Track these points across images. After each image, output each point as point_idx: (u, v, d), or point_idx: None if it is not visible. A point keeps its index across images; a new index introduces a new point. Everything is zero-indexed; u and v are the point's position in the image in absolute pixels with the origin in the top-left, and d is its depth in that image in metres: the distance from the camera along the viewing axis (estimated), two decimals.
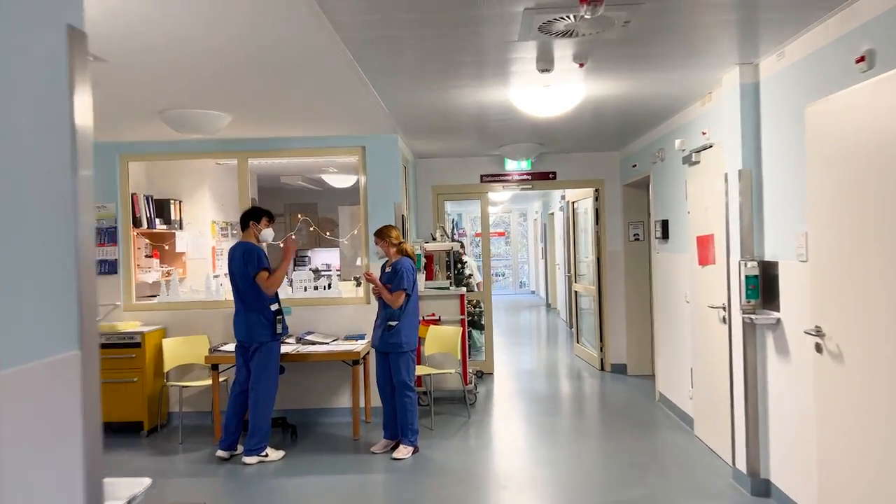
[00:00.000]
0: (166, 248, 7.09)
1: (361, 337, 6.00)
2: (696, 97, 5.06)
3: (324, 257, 11.25)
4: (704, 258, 4.95)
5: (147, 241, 6.98)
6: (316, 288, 6.29)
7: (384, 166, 6.18)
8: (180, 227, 7.33)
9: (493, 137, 6.74)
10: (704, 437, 5.15)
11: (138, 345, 5.78)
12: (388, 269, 5.16)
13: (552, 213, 14.88)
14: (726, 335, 4.52)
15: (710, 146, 4.83)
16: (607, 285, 7.97)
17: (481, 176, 7.99)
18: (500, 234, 19.57)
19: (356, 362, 5.52)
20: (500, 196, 13.65)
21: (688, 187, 5.33)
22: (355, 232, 6.58)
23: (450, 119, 5.73)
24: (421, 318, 6.50)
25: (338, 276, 10.72)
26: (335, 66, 3.93)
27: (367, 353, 5.90)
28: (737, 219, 4.20)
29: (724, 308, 4.56)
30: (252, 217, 5.21)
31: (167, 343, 5.94)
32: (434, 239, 7.60)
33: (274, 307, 5.06)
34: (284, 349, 5.42)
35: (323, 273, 11.39)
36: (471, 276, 8.46)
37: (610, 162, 7.91)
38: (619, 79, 4.45)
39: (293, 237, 5.50)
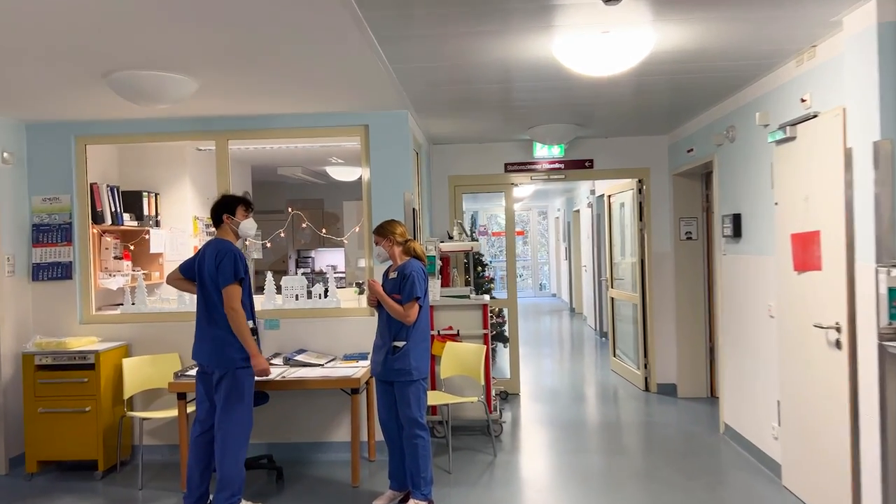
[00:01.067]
0: (131, 248, 6.03)
1: (364, 356, 4.93)
2: (790, 53, 3.93)
3: (328, 258, 10.20)
4: (803, 262, 3.82)
5: (115, 240, 5.95)
6: (310, 296, 5.21)
7: (391, 149, 5.10)
8: (156, 224, 6.29)
9: (520, 116, 5.64)
10: (800, 491, 4.02)
11: (91, 366, 4.73)
12: (392, 275, 4.10)
13: (577, 211, 13.74)
14: (842, 365, 3.39)
15: (814, 116, 3.70)
16: (653, 292, 6.84)
17: (506, 165, 6.89)
18: (520, 234, 18.44)
19: (356, 391, 4.44)
20: (521, 191, 12.58)
21: (775, 172, 4.20)
22: (356, 229, 5.47)
23: (471, 88, 4.64)
24: (435, 333, 5.42)
25: (339, 279, 9.66)
26: (329, 9, 2.86)
27: (371, 377, 4.82)
28: (870, 209, 3.07)
29: (837, 328, 3.43)
30: (224, 208, 4.14)
31: (129, 364, 4.89)
32: (451, 238, 6.51)
33: (248, 324, 3.99)
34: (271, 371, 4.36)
35: (324, 276, 10.40)
36: (493, 280, 7.35)
37: (656, 147, 6.78)
38: (698, 20, 3.34)
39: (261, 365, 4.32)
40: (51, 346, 4.75)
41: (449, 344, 5.24)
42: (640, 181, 6.92)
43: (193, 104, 4.75)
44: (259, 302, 5.13)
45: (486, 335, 5.51)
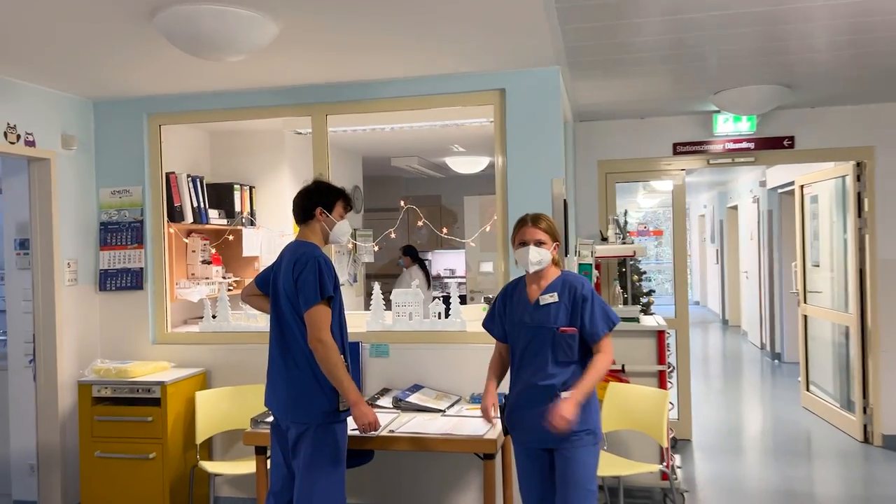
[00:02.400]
0: (212, 251, 5.07)
1: (498, 399, 3.65)
2: None
3: (447, 261, 9.05)
4: None
5: (205, 241, 5.02)
6: (432, 315, 3.99)
7: (535, 121, 3.79)
8: (251, 223, 5.32)
9: (700, 75, 4.16)
10: None
11: (157, 401, 3.76)
12: (549, 299, 2.78)
13: (734, 207, 11.84)
14: None
15: None
16: (877, 313, 5.12)
17: (675, 145, 5.39)
18: (658, 233, 16.59)
19: (490, 456, 3.16)
20: (664, 184, 10.94)
21: None
22: (487, 228, 4.20)
23: (632, 26, 3.25)
24: None
25: (459, 285, 8.47)
26: None
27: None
28: None
29: None
30: (319, 199, 2.99)
31: (204, 398, 3.88)
32: (605, 239, 5.11)
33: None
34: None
35: (441, 280, 9.20)
36: (651, 293, 5.88)
37: (885, 119, 5.06)
38: None
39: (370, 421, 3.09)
40: (109, 374, 3.82)
41: (613, 386, 3.86)
42: (858, 165, 5.22)
43: (282, 70, 3.68)
44: (363, 321, 3.99)
45: (661, 373, 4.09)
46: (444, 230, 4.40)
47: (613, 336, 4.23)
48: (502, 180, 3.87)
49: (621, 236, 5.19)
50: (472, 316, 4.26)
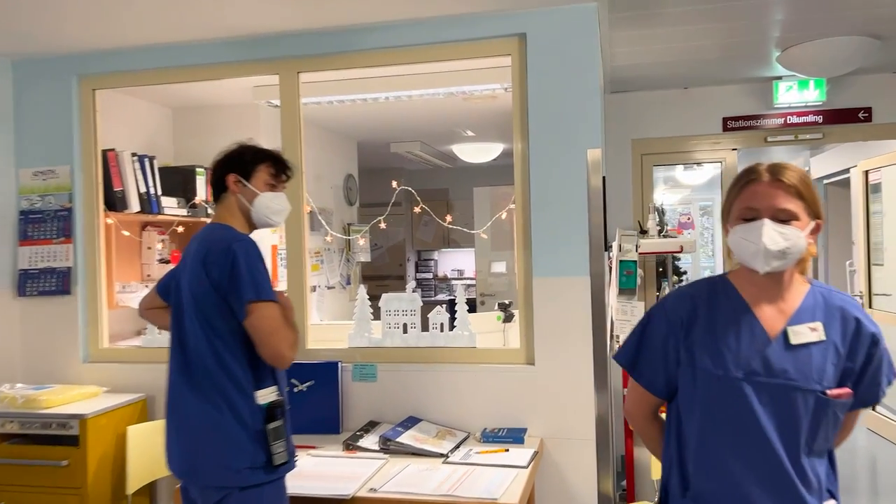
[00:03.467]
0: (173, 248, 4.22)
1: (518, 435, 2.79)
2: None
3: (454, 261, 8.18)
4: None
5: (162, 235, 4.19)
6: (432, 326, 3.12)
7: (566, 76, 2.91)
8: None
9: (767, 21, 3.29)
10: None
11: (75, 440, 2.91)
12: (807, 332, 1.56)
13: None
14: None
15: None
16: None
17: (724, 120, 4.51)
18: (679, 232, 15.65)
19: None
20: (693, 176, 10.05)
21: None
22: (502, 215, 3.34)
23: None
24: None
25: (468, 287, 7.59)
26: None
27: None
28: None
29: None
30: (232, 165, 2.18)
31: (137, 434, 3.03)
32: (644, 232, 4.23)
33: (268, 394, 1.98)
34: (354, 469, 2.33)
35: (449, 283, 8.22)
36: None
37: None
38: None
39: (284, 295, 2.28)
40: (14, 405, 2.96)
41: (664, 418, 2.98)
42: None
43: (242, 15, 2.84)
44: (344, 334, 3.13)
45: None
46: (448, 219, 3.51)
47: None
48: (522, 154, 3.00)
49: (661, 229, 4.31)
50: (484, 327, 3.40)
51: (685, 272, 5.13)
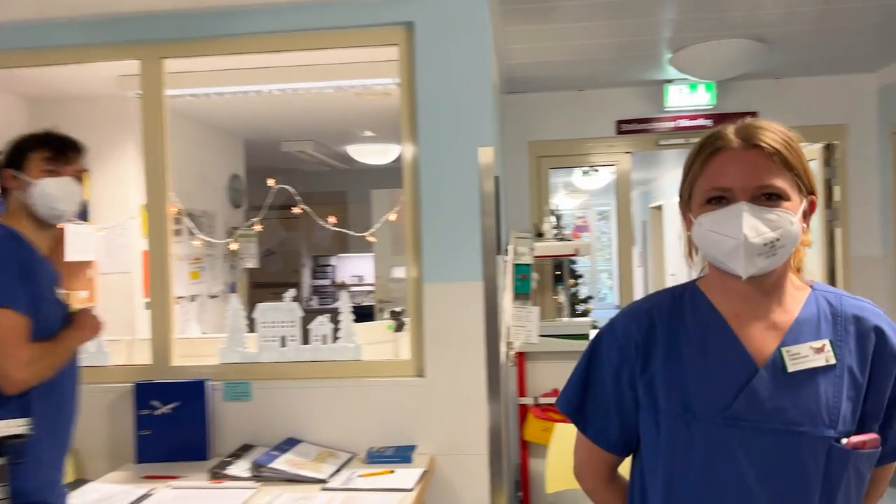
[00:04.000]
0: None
1: (406, 454, 2.58)
2: None
3: (352, 266, 7.90)
4: None
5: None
6: (314, 338, 2.86)
7: (455, 69, 2.75)
8: (79, 217, 4.02)
9: (658, 22, 3.26)
10: None
11: None
12: (810, 354, 1.13)
13: (658, 207, 11.27)
14: None
15: None
16: None
17: (618, 123, 4.50)
18: (577, 236, 15.98)
19: None
20: (592, 181, 10.22)
21: None
22: (392, 217, 3.14)
23: None
24: (531, 402, 3.06)
25: (367, 293, 7.33)
26: None
27: None
28: None
29: None
30: (5, 162, 1.91)
31: None
32: (540, 235, 4.14)
33: (15, 427, 1.68)
34: (218, 501, 2.05)
35: (350, 289, 7.90)
36: (589, 299, 4.97)
37: (857, 94, 4.34)
38: None
39: (90, 313, 2.04)
40: None
41: (561, 428, 2.85)
42: (827, 147, 4.47)
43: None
44: (215, 349, 2.83)
45: None
46: (332, 220, 3.27)
47: (553, 360, 3.29)
48: (411, 154, 2.80)
49: (558, 232, 4.24)
50: (372, 336, 3.18)
51: (581, 276, 5.09)
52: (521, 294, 3.03)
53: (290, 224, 7.36)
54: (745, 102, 4.37)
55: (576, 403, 1.28)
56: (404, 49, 2.79)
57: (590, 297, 5.13)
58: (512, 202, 4.53)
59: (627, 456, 1.29)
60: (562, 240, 4.18)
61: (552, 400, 3.14)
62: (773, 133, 1.13)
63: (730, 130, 1.15)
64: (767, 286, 1.15)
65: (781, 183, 1.11)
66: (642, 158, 8.24)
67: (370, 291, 6.78)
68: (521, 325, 3.03)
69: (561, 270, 4.50)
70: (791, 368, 1.10)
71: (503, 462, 2.77)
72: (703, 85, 4.26)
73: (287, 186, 3.30)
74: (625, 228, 4.70)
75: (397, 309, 3.22)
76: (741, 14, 3.18)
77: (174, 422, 2.68)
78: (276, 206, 6.85)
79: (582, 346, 3.13)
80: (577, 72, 4.10)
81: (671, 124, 4.43)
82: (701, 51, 3.52)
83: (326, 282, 7.76)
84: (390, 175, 7.09)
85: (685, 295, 1.24)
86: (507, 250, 3.38)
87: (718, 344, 1.15)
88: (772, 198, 1.10)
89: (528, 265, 3.04)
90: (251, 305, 2.89)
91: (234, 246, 4.69)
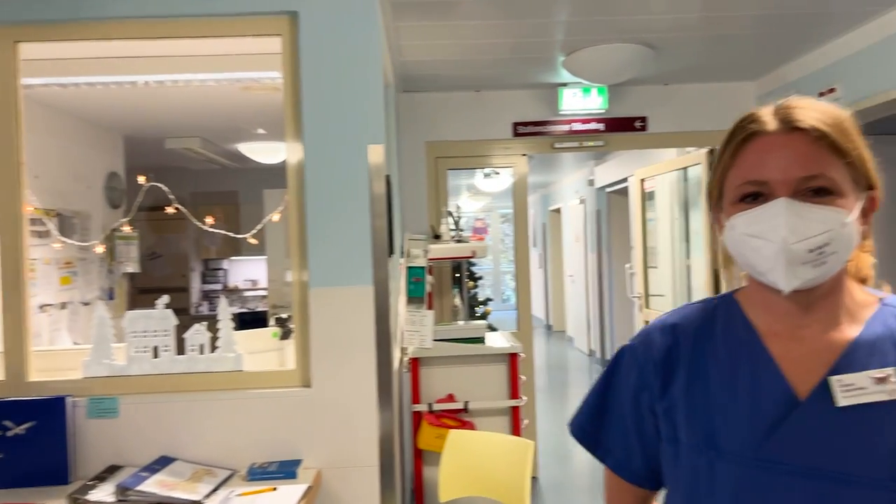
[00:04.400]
0: None
1: (290, 469, 2.44)
2: None
3: (245, 270, 7.59)
4: None
5: None
6: (189, 348, 2.66)
7: (343, 63, 2.62)
8: None
9: (551, 24, 3.27)
10: None
11: None
12: (867, 384, 0.90)
13: (556, 209, 11.52)
14: None
15: None
16: None
17: (515, 125, 4.50)
18: (480, 238, 16.12)
19: None
20: (495, 183, 10.29)
21: None
22: (274, 218, 2.98)
23: None
24: (425, 409, 2.98)
25: (259, 299, 7.08)
26: None
27: None
28: None
29: None
30: None
31: None
32: (437, 237, 4.07)
33: None
34: None
35: (243, 293, 7.56)
36: (489, 301, 4.96)
37: (738, 100, 4.53)
38: None
39: None
40: None
41: (455, 434, 2.78)
42: (711, 152, 4.65)
43: None
44: (76, 361, 2.58)
45: (515, 410, 3.09)
46: (210, 221, 3.07)
47: (448, 365, 3.21)
48: (296, 151, 2.65)
49: (456, 234, 4.18)
50: (256, 345, 3.01)
51: (481, 277, 5.07)
52: (415, 298, 2.95)
53: (177, 226, 6.98)
54: (635, 107, 4.47)
55: (591, 430, 1.13)
56: (288, 40, 2.65)
57: (489, 300, 5.11)
58: (409, 204, 4.45)
59: (659, 489, 1.10)
60: (460, 241, 4.12)
61: (447, 406, 3.08)
62: (819, 112, 0.93)
63: (766, 111, 0.96)
64: (817, 300, 0.94)
65: (832, 173, 0.90)
66: (541, 161, 8.37)
67: (264, 296, 6.51)
68: (415, 329, 2.94)
69: (460, 273, 4.45)
70: (842, 402, 0.88)
71: (395, 473, 2.67)
72: (596, 89, 4.33)
73: (160, 185, 3.05)
74: (521, 230, 4.71)
75: (284, 315, 3.05)
76: (631, 19, 3.23)
77: (30, 443, 2.42)
78: (160, 206, 6.51)
79: (476, 349, 3.10)
80: (474, 72, 4.06)
81: (566, 127, 4.47)
82: (592, 54, 3.56)
83: (217, 286, 7.41)
84: (284, 174, 6.88)
85: (719, 308, 1.04)
86: (403, 253, 3.29)
87: (752, 368, 0.95)
88: (820, 192, 0.90)
89: (422, 268, 2.96)
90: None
91: (100, 249, 4.35)
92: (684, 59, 3.90)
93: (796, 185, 0.90)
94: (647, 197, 5.96)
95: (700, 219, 4.85)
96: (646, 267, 5.82)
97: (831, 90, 3.67)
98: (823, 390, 0.90)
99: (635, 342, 1.09)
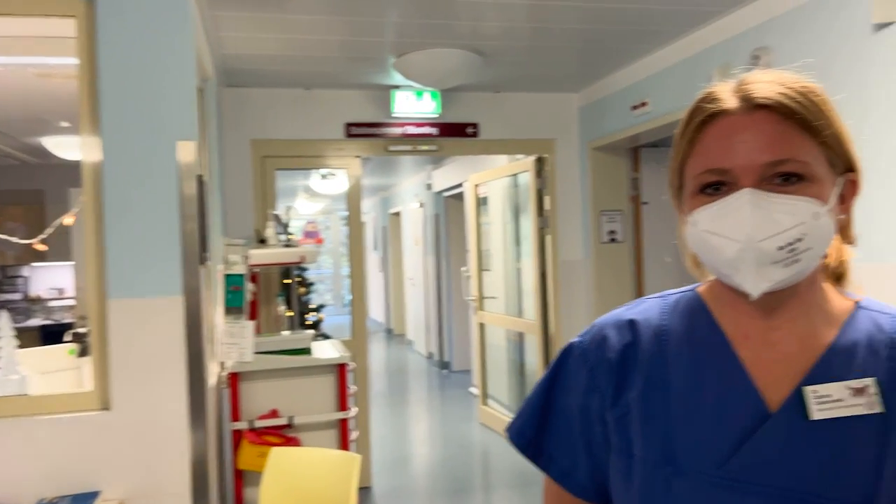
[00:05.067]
0: None
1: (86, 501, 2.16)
2: None
3: (50, 278, 6.82)
4: None
5: None
6: None
7: (146, 48, 2.38)
8: None
9: (382, 25, 3.22)
10: None
11: None
12: (843, 396, 0.80)
13: (397, 213, 11.53)
14: None
15: None
16: (559, 317, 4.74)
17: (347, 126, 4.38)
18: (320, 242, 15.79)
19: None
20: (328, 185, 10.07)
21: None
22: (66, 221, 2.65)
23: None
24: (246, 427, 2.78)
25: (67, 309, 6.44)
26: None
27: None
28: None
29: None
30: None
31: None
32: (262, 241, 3.85)
33: None
34: None
35: (47, 304, 6.69)
36: (322, 308, 4.81)
37: (564, 110, 4.72)
38: None
39: None
40: None
41: (277, 452, 2.62)
42: (538, 160, 4.81)
43: None
44: None
45: (343, 423, 2.97)
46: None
47: (271, 379, 3.04)
48: (92, 147, 2.37)
49: (285, 238, 3.99)
50: (49, 364, 2.66)
51: (313, 283, 4.90)
52: (234, 308, 2.75)
53: None
54: (467, 113, 4.52)
55: (532, 435, 0.96)
56: (83, 23, 2.36)
57: (322, 306, 4.94)
58: (233, 206, 4.18)
59: None
60: (289, 246, 3.94)
61: (270, 422, 2.89)
62: (785, 86, 0.79)
63: (726, 88, 0.83)
64: (789, 300, 0.83)
65: (803, 156, 0.78)
66: (380, 164, 8.31)
67: (72, 306, 5.88)
68: (234, 342, 2.74)
69: (290, 279, 4.26)
70: (816, 415, 0.78)
71: (211, 498, 2.47)
72: (429, 93, 4.32)
73: None
74: (356, 233, 4.61)
75: (81, 330, 2.72)
76: (461, 24, 3.23)
77: None
78: None
79: (301, 361, 2.95)
80: (304, 69, 3.90)
81: (399, 130, 4.42)
82: (422, 58, 3.53)
83: (17, 296, 6.60)
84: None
85: (681, 305, 0.92)
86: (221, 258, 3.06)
87: (718, 375, 0.84)
88: (790, 179, 0.78)
89: (240, 275, 2.76)
90: None
91: None
92: (513, 67, 4.00)
93: (762, 171, 0.78)
94: (481, 202, 6.09)
95: (529, 224, 5.01)
96: (480, 270, 5.93)
97: (643, 104, 3.92)
98: (797, 401, 0.80)
99: (585, 338, 0.94)
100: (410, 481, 4.66)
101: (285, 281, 4.49)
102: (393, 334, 12.13)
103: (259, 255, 3.29)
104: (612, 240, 4.59)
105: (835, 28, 2.67)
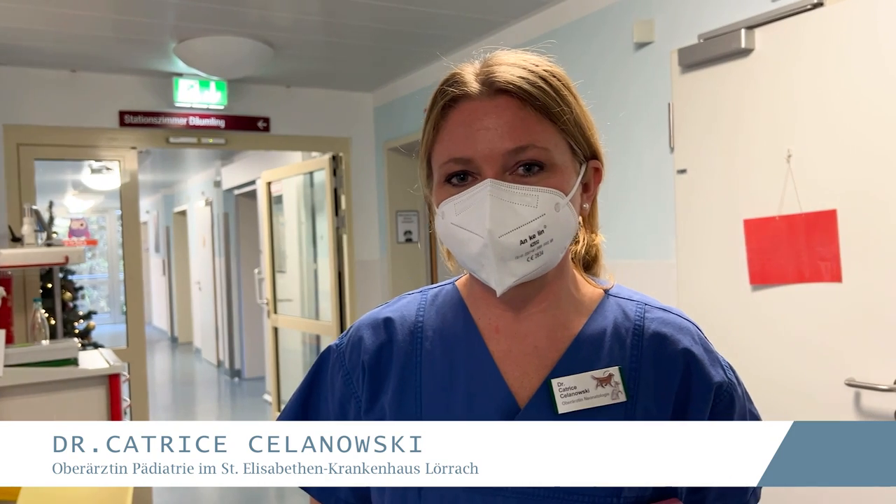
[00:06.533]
0: None
1: None
2: None
3: None
4: (782, 270, 2.20)
5: None
6: None
7: None
8: None
9: (162, 7, 2.97)
10: None
11: None
12: (590, 388, 0.79)
13: (182, 212, 10.77)
14: None
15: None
16: (357, 317, 4.69)
17: (122, 114, 3.97)
18: (92, 243, 14.27)
19: None
20: (102, 181, 9.18)
21: (679, 113, 2.53)
22: None
23: None
24: None
25: None
26: None
27: None
28: None
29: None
30: None
31: None
32: (17, 240, 3.36)
33: None
34: None
35: None
36: (92, 315, 4.33)
37: (359, 109, 4.70)
38: None
39: None
40: None
41: (29, 489, 2.29)
42: (334, 158, 4.74)
43: None
44: None
45: None
46: None
47: (31, 393, 2.69)
48: None
49: (45, 236, 3.53)
50: None
51: (81, 287, 4.39)
52: None
53: None
54: (258, 107, 4.32)
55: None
56: None
57: (93, 313, 4.44)
58: None
59: None
60: (50, 245, 3.48)
61: None
62: (526, 70, 0.77)
63: (470, 70, 0.80)
64: (538, 293, 0.81)
65: (544, 143, 0.76)
66: (162, 158, 7.71)
67: None
68: None
69: (52, 283, 3.77)
70: (562, 409, 0.76)
71: None
72: (215, 83, 4.07)
73: None
74: (132, 233, 4.20)
75: None
76: (249, 12, 3.07)
77: None
78: None
79: (65, 373, 2.63)
80: (68, 48, 3.46)
81: (182, 121, 4.10)
82: (206, 45, 3.30)
83: None
84: None
85: (438, 300, 0.88)
86: None
87: (469, 371, 0.81)
88: (531, 169, 0.76)
89: None
90: None
91: None
92: (306, 62, 3.89)
93: (504, 160, 0.75)
94: (275, 200, 5.88)
95: (325, 223, 4.93)
96: (274, 272, 5.72)
97: None
98: (545, 395, 0.78)
99: (343, 341, 0.89)
100: (195, 496, 4.36)
101: (48, 285, 3.99)
102: (178, 342, 11.33)
103: (11, 256, 2.85)
104: (408, 240, 4.66)
105: (601, 44, 2.93)
